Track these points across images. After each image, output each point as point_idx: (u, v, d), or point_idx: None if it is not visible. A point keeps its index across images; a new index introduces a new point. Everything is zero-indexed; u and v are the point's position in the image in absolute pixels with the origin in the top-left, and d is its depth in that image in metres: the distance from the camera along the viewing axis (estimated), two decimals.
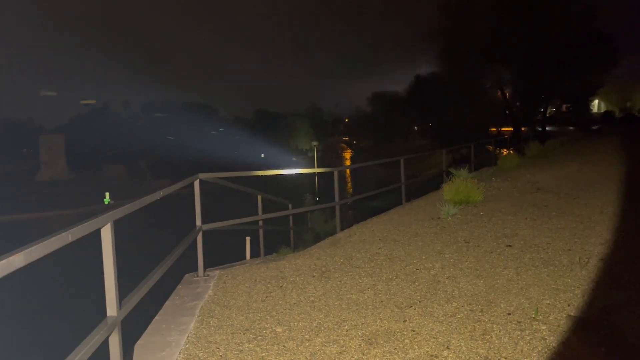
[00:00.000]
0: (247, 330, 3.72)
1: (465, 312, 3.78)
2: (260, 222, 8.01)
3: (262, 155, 77.14)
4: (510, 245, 5.53)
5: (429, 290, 4.34)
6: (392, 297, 4.24)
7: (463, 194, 8.00)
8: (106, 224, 2.54)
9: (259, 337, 3.56)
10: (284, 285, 4.73)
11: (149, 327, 3.84)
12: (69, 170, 59.91)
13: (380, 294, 4.34)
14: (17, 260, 1.69)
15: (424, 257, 5.36)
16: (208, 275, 5.23)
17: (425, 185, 13.64)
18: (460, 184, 8.21)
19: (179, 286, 4.88)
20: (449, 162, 15.22)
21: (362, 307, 4.04)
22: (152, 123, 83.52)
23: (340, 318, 3.84)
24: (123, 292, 2.77)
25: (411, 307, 3.97)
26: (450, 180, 8.87)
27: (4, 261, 1.62)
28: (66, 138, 61.43)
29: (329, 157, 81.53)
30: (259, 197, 7.78)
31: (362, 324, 3.70)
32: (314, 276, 5.00)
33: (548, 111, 38.48)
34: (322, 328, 3.67)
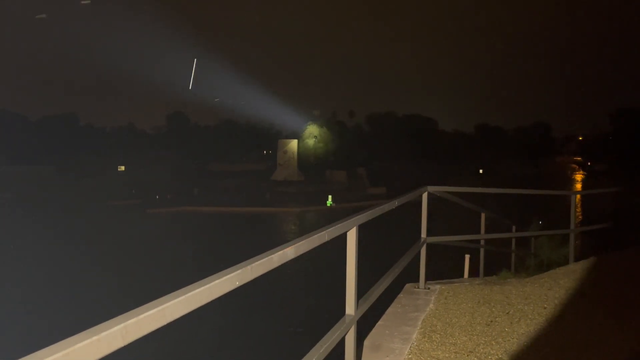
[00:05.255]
0: (470, 352, 3.56)
1: None
2: (482, 242, 7.68)
3: (480, 171, 74.27)
4: None
5: None
6: None
7: None
8: (352, 227, 2.70)
9: None
10: (510, 312, 4.42)
11: (373, 330, 3.97)
12: (299, 172, 66.65)
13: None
14: (289, 252, 1.90)
15: None
16: (429, 288, 5.20)
17: None
18: None
19: (400, 295, 4.96)
20: None
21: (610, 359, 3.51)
22: (373, 133, 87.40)
23: None
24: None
25: None
26: None
27: (280, 252, 1.83)
28: (299, 143, 68.40)
29: (556, 179, 74.20)
30: (483, 215, 7.46)
31: None
32: (545, 307, 4.55)
33: None
34: None
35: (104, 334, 1.02)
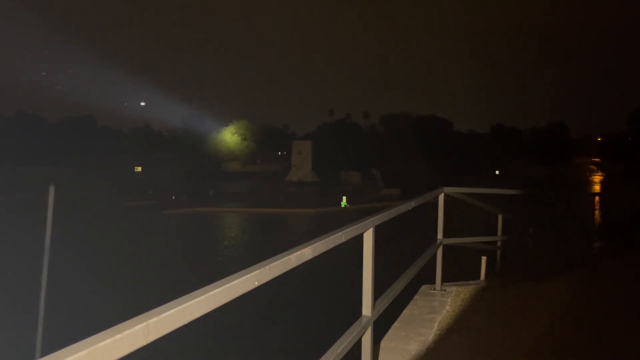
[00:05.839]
0: (487, 355, 3.53)
1: None
2: (499, 243, 7.61)
3: (497, 172, 73.58)
4: None
5: None
6: None
7: None
8: (369, 228, 2.70)
9: None
10: (528, 315, 4.37)
11: (389, 332, 3.96)
12: (313, 173, 66.71)
13: None
14: (307, 252, 1.90)
15: None
16: (445, 290, 5.16)
17: None
18: None
19: (416, 296, 4.93)
20: None
21: None
22: (388, 134, 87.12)
23: None
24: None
25: None
26: None
27: (297, 253, 1.84)
28: (313, 144, 68.49)
29: (574, 180, 73.19)
30: (499, 217, 7.39)
31: None
32: (562, 310, 4.50)
33: None
34: None
35: (126, 332, 1.03)
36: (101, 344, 0.98)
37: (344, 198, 48.63)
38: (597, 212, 41.09)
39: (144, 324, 1.08)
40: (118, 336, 1.01)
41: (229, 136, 77.84)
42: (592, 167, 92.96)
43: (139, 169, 76.20)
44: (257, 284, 1.54)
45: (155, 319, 1.11)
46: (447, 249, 5.18)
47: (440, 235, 5.13)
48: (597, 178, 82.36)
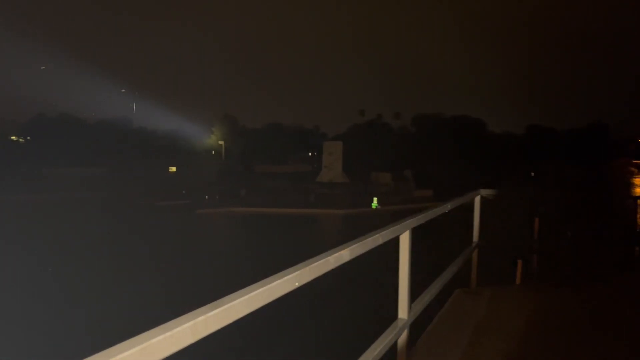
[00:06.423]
0: None
1: None
2: (536, 246, 7.45)
3: (532, 174, 72.03)
4: None
5: None
6: None
7: None
8: (405, 231, 2.69)
9: None
10: (565, 320, 4.27)
11: (423, 335, 3.93)
12: (344, 174, 66.65)
13: None
14: (345, 254, 1.91)
15: None
16: (479, 293, 5.08)
17: None
18: None
19: (451, 299, 4.87)
20: None
21: None
22: (420, 134, 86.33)
23: None
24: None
25: None
26: None
27: (336, 254, 1.85)
28: (344, 145, 68.44)
29: (613, 183, 70.95)
30: (537, 220, 7.24)
31: None
32: (602, 315, 4.37)
33: None
34: None
35: (176, 330, 1.07)
36: (153, 340, 1.01)
37: (375, 199, 48.37)
38: (639, 216, 39.62)
39: (192, 322, 1.11)
40: (168, 334, 1.05)
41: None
42: (633, 169, 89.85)
43: (174, 169, 77.71)
44: (297, 284, 1.57)
45: (202, 317, 1.14)
46: (483, 251, 5.11)
47: (476, 238, 5.07)
48: (638, 180, 79.52)
